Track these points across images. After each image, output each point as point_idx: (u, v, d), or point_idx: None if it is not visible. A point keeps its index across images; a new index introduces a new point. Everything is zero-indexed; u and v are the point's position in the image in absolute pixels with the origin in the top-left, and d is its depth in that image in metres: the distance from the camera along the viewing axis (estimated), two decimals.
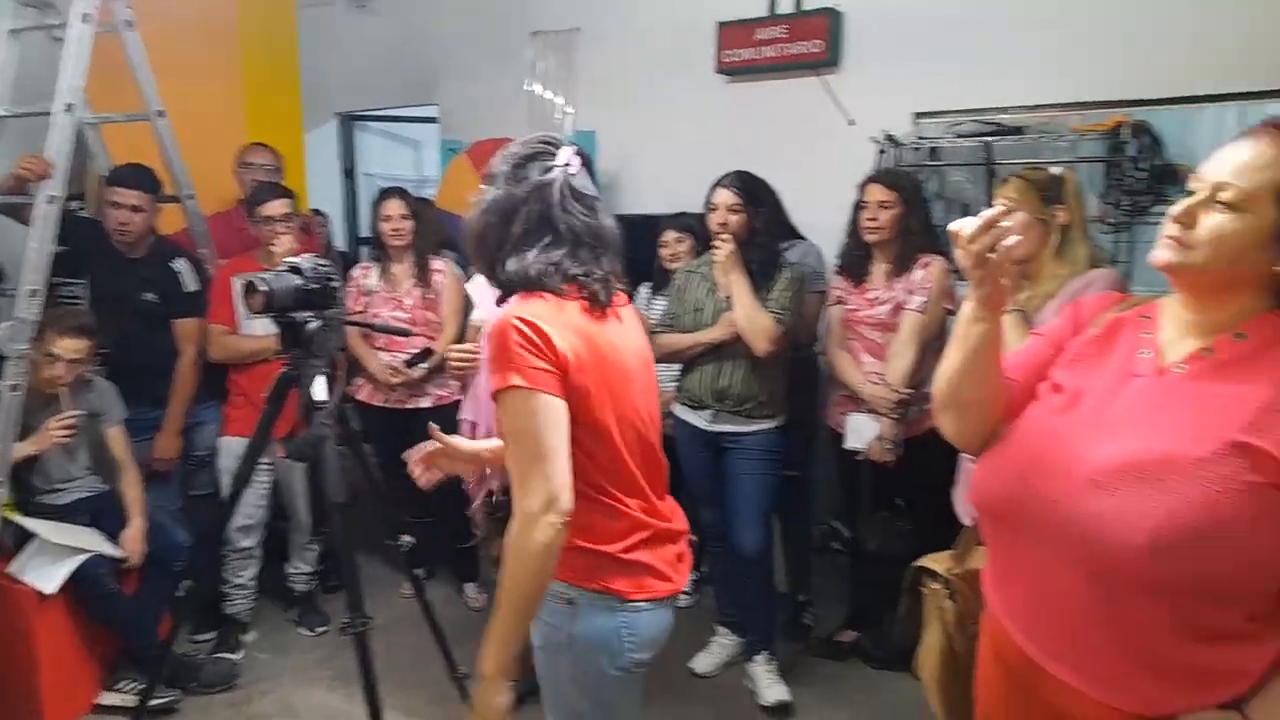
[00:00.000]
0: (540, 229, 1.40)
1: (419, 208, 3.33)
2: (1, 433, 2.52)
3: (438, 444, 1.66)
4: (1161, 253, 1.12)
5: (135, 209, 2.89)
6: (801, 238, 3.20)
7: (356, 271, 3.32)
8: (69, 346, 2.62)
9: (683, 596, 2.67)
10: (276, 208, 2.96)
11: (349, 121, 5.71)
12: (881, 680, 2.87)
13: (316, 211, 4.37)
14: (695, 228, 3.07)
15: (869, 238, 2.75)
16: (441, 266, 3.27)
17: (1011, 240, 1.10)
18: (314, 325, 2.08)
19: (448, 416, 2.63)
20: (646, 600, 1.44)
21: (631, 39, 4.19)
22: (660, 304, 3.09)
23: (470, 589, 3.43)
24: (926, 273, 2.68)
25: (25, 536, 2.57)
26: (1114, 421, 1.14)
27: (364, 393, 3.25)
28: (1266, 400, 1.04)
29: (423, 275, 3.22)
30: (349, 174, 5.81)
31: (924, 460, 2.48)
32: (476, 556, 3.40)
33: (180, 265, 3.04)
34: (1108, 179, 3.09)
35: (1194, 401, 1.09)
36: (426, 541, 3.47)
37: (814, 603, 3.26)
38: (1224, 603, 1.06)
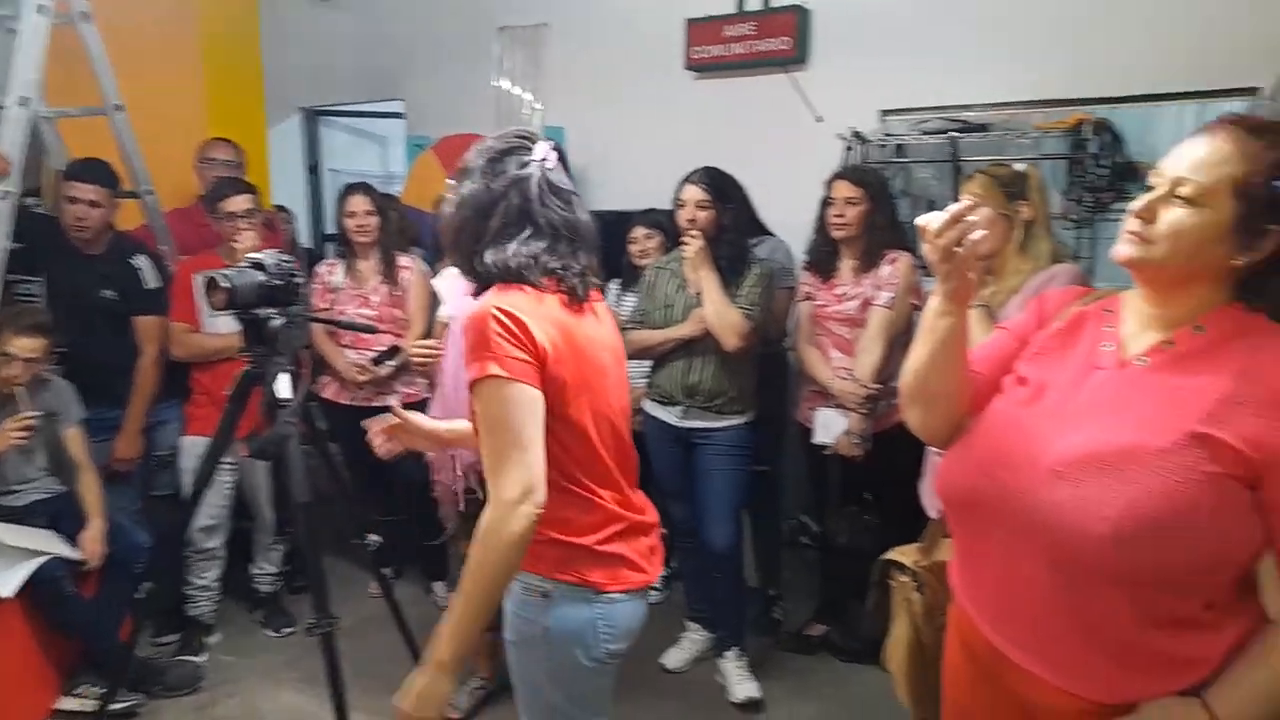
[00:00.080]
0: (520, 222, 1.41)
1: (384, 204, 3.30)
2: None
3: (397, 419, 1.70)
4: (1123, 248, 1.14)
5: (93, 204, 2.83)
6: (770, 234, 3.21)
7: (322, 268, 3.28)
8: (25, 345, 2.56)
9: (653, 592, 2.68)
10: (238, 203, 2.92)
11: (313, 116, 5.64)
12: (850, 673, 2.89)
13: (280, 208, 4.32)
14: (664, 224, 3.07)
15: (836, 234, 2.77)
16: (408, 263, 3.24)
17: (977, 234, 1.11)
18: (278, 322, 2.05)
19: None
20: (621, 591, 1.45)
21: (600, 35, 4.18)
22: (630, 300, 3.08)
23: (439, 588, 3.40)
24: (894, 268, 2.70)
25: None
26: (1077, 413, 1.15)
27: (330, 391, 3.22)
28: (1225, 392, 1.06)
29: (389, 272, 3.19)
30: (313, 170, 5.73)
31: (892, 454, 2.50)
32: (445, 555, 3.37)
33: (140, 262, 2.99)
34: (1070, 176, 3.13)
35: (1155, 393, 1.11)
36: (394, 540, 3.45)
37: (783, 597, 3.28)
38: (1183, 592, 1.08)
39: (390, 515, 3.42)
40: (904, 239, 2.80)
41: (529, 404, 1.30)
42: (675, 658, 2.95)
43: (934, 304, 1.21)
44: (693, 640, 2.99)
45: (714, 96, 3.93)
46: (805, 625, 3.11)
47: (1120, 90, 3.07)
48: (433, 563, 3.43)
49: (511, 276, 1.38)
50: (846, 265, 2.81)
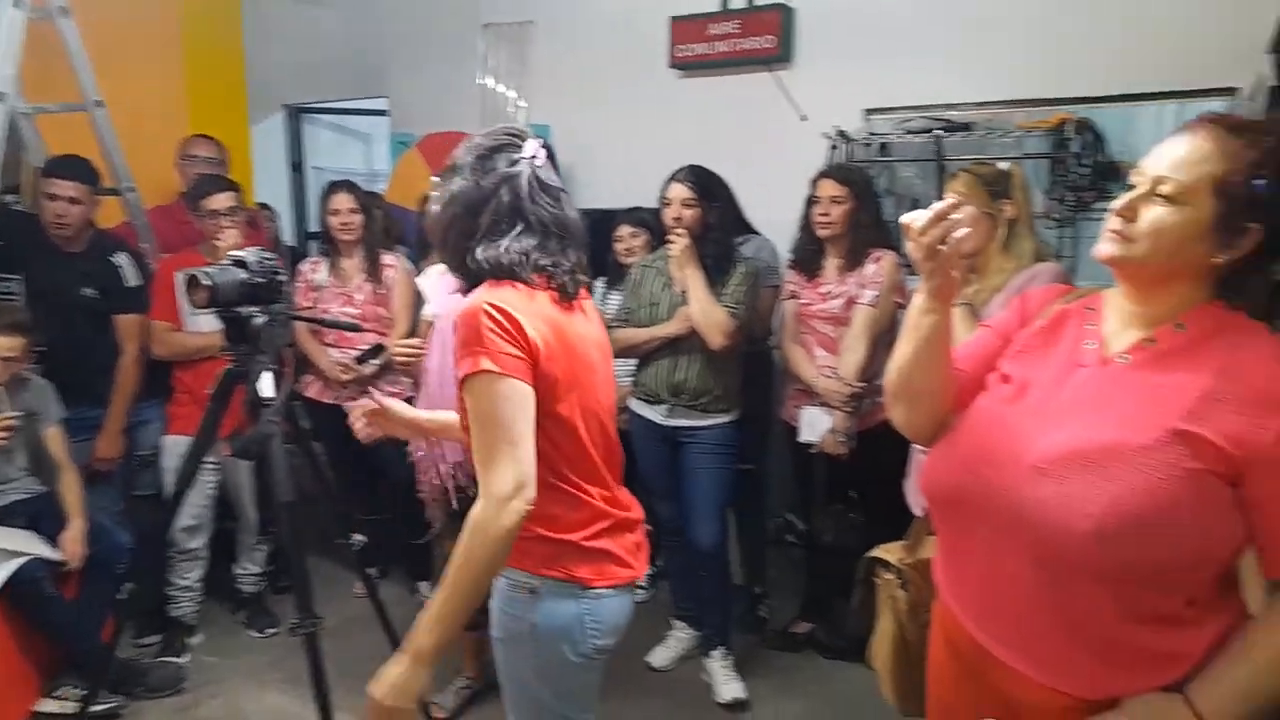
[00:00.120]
0: (511, 219, 1.41)
1: (369, 201, 3.28)
2: None
3: (377, 404, 1.72)
4: (1105, 246, 1.15)
5: (73, 201, 2.80)
6: (755, 232, 3.22)
7: (305, 266, 3.26)
8: (4, 344, 2.54)
9: (639, 590, 2.68)
10: (221, 201, 2.89)
11: (297, 114, 5.61)
12: (835, 670, 2.90)
13: (263, 206, 4.29)
14: (650, 222, 3.07)
15: (821, 232, 2.77)
16: (392, 261, 3.23)
17: (961, 232, 1.12)
18: (260, 320, 2.04)
19: None
20: (608, 587, 1.46)
21: (585, 33, 4.17)
22: (615, 299, 3.08)
23: (424, 588, 3.39)
24: (878, 267, 2.71)
25: None
26: (1060, 411, 1.16)
27: (314, 390, 3.20)
28: (1206, 389, 1.06)
29: (373, 270, 3.17)
30: (297, 168, 5.70)
31: (876, 452, 2.51)
32: (430, 554, 3.36)
33: (121, 259, 2.96)
34: (1052, 175, 3.16)
35: (1137, 391, 1.12)
36: (379, 540, 3.44)
37: (769, 595, 3.28)
38: (1166, 588, 1.08)
39: (375, 515, 3.41)
40: (889, 238, 2.81)
41: (521, 399, 1.30)
42: (661, 656, 2.95)
43: (918, 302, 1.22)
44: (679, 639, 2.99)
45: (699, 95, 3.94)
46: (791, 623, 3.11)
47: (1102, 90, 3.09)
48: (418, 562, 3.41)
49: (503, 273, 1.38)
50: (831, 264, 2.81)
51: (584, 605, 1.44)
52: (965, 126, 3.28)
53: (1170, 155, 1.10)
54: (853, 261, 2.76)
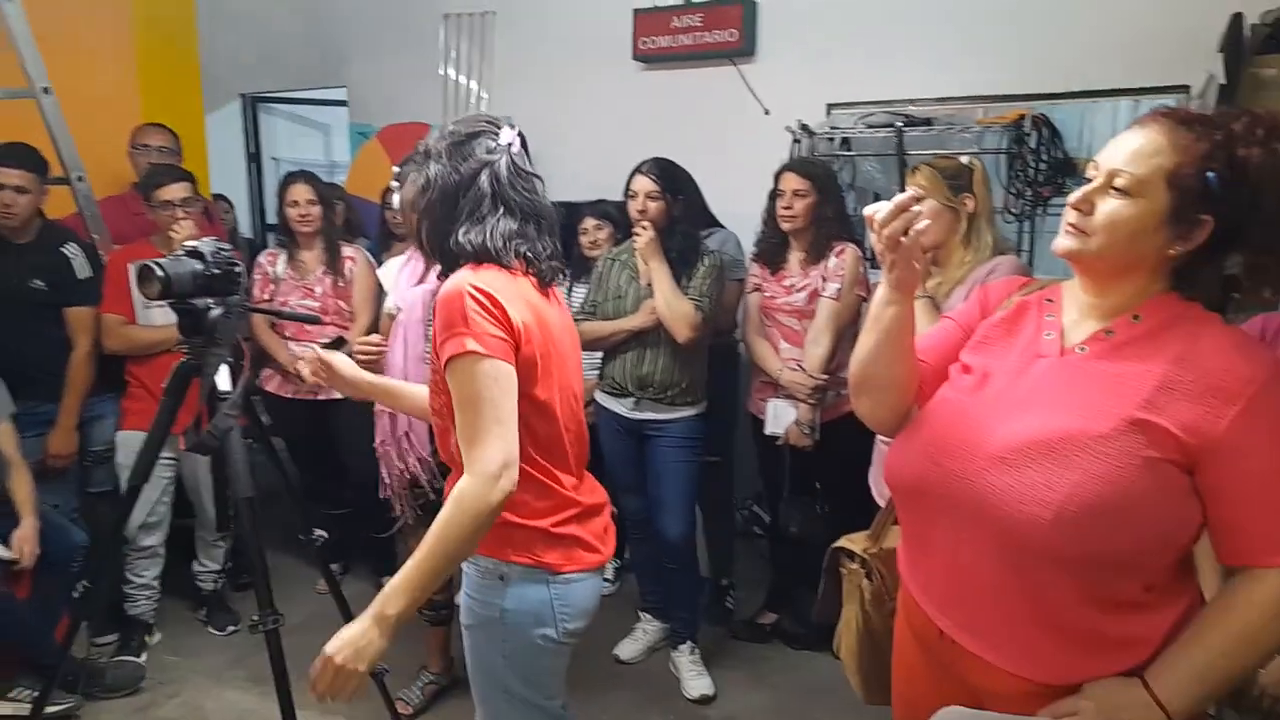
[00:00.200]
0: (494, 204, 1.41)
1: (328, 193, 3.23)
2: None
3: (321, 356, 1.75)
4: (1063, 241, 1.16)
5: (20, 190, 2.72)
6: (720, 225, 3.22)
7: (263, 258, 3.20)
8: None
9: (606, 583, 2.68)
10: (175, 191, 2.83)
11: (254, 103, 5.50)
12: (802, 660, 2.93)
13: (219, 197, 4.20)
14: (614, 215, 3.07)
15: (784, 226, 2.78)
16: (353, 254, 3.18)
17: (923, 224, 1.13)
18: (216, 312, 2.00)
19: (362, 407, 2.55)
20: (577, 571, 1.47)
21: (547, 24, 4.15)
22: (580, 292, 3.07)
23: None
24: (840, 260, 2.72)
25: None
26: (1020, 401, 1.18)
27: (273, 384, 3.15)
28: (1162, 378, 1.09)
29: (333, 263, 3.12)
30: (254, 158, 5.60)
31: (841, 443, 2.53)
32: (394, 549, 3.33)
33: (72, 250, 2.88)
34: (1011, 170, 3.20)
35: (1095, 381, 1.14)
36: (342, 535, 3.39)
37: (736, 586, 3.30)
38: (1125, 573, 1.10)
39: (337, 510, 3.37)
40: (851, 231, 2.83)
41: (506, 381, 1.31)
42: (628, 649, 2.95)
43: (881, 294, 1.23)
44: (646, 631, 3.00)
45: (663, 87, 3.93)
46: (757, 613, 3.14)
47: (1059, 87, 3.15)
48: (381, 557, 3.38)
49: (487, 255, 1.39)
50: (795, 257, 2.83)
51: (554, 590, 1.45)
52: (926, 121, 3.30)
53: (1125, 149, 1.12)
54: (816, 255, 2.77)
